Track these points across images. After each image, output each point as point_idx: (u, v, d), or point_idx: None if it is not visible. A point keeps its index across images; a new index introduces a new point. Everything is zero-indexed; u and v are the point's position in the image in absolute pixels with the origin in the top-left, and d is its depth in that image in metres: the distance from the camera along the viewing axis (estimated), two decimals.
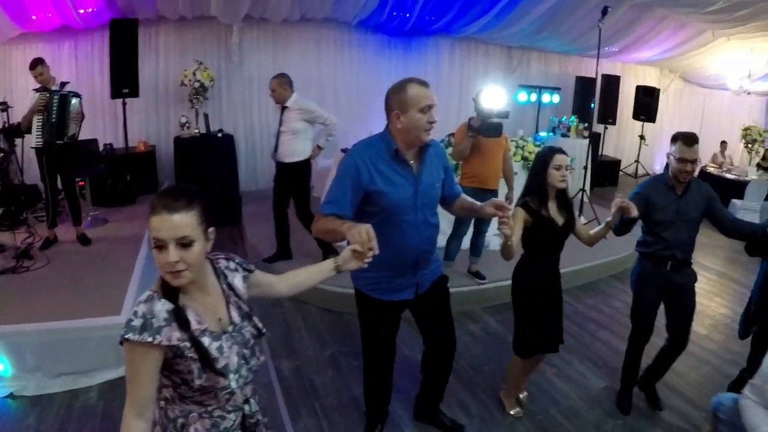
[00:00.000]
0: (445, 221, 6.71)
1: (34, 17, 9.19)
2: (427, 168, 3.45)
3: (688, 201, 4.39)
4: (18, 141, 8.12)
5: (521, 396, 4.93)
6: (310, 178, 7.20)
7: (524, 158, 8.47)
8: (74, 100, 7.11)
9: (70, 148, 7.23)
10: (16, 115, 7.93)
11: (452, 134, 7.69)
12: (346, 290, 5.92)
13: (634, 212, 3.90)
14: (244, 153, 10.80)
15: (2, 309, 5.44)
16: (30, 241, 7.35)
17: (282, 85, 6.74)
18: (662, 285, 4.50)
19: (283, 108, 6.82)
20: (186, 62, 9.97)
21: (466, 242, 6.87)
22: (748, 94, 14.55)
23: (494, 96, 6.03)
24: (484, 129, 6.05)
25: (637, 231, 4.60)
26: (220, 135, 9.67)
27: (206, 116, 9.60)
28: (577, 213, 9.39)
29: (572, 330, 6.31)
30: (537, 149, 8.60)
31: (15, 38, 9.68)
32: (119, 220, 8.38)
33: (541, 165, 4.08)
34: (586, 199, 9.69)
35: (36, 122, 6.99)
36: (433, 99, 3.24)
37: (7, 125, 8.26)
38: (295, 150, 6.90)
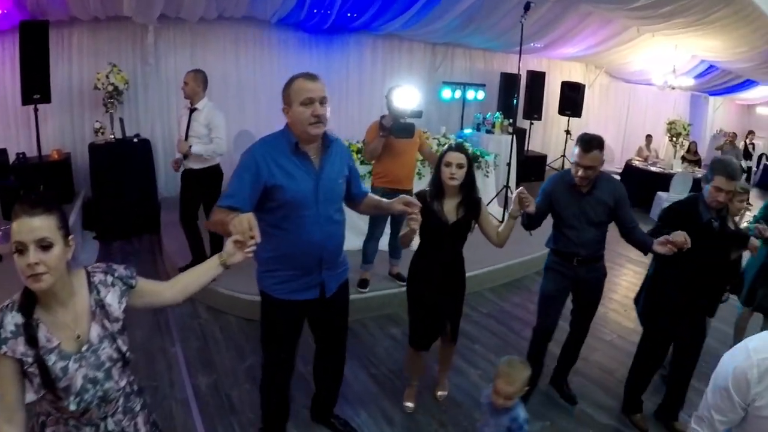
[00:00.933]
0: (363, 223, 6.65)
1: None
2: (330, 163, 3.49)
3: (592, 201, 4.38)
4: None
5: (439, 394, 5.02)
6: (221, 185, 6.95)
7: None
8: None
9: None
10: None
11: None
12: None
13: (531, 207, 3.95)
14: (162, 157, 10.42)
15: None
16: None
17: (197, 81, 6.56)
18: (569, 277, 4.53)
19: (193, 110, 6.59)
20: (100, 65, 9.63)
21: (383, 244, 6.77)
22: (673, 89, 14.88)
23: (407, 95, 5.92)
24: (396, 129, 5.94)
25: None
26: (136, 140, 9.42)
27: (121, 121, 9.32)
28: (502, 209, 9.48)
29: (498, 329, 6.31)
30: None
31: None
32: None
33: (438, 161, 4.25)
34: (510, 195, 9.68)
35: None
36: (317, 92, 3.25)
37: None
38: (203, 157, 6.69)
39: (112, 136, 9.30)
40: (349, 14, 10.71)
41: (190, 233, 7.01)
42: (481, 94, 13.11)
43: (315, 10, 10.30)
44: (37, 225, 2.05)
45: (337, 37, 11.65)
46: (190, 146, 6.56)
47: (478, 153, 9.19)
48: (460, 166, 4.12)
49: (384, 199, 3.81)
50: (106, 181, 9.01)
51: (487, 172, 9.29)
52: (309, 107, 3.22)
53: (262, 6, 9.91)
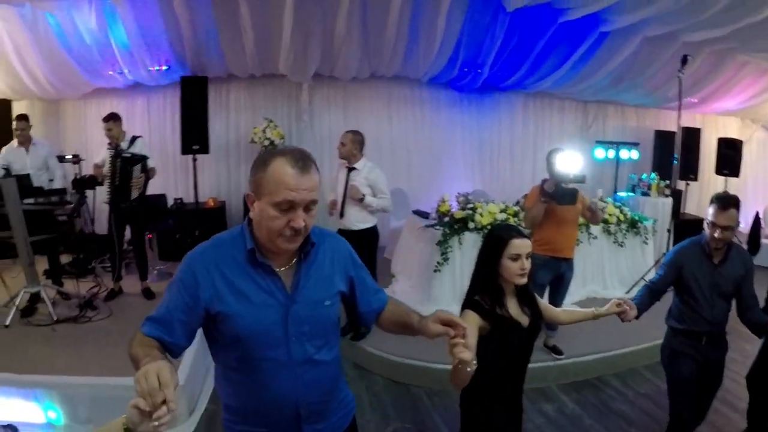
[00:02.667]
0: None
1: (109, 74, 9.43)
2: (312, 277, 2.32)
3: (725, 273, 3.93)
4: (89, 192, 8.23)
5: None
6: (378, 243, 6.80)
7: (605, 221, 8.05)
8: (136, 166, 7.09)
9: (139, 205, 7.29)
10: (89, 168, 8.14)
11: (526, 196, 7.33)
12: (414, 362, 5.68)
13: (632, 314, 3.57)
14: None
15: (60, 358, 5.56)
16: (95, 291, 7.46)
17: (354, 143, 6.39)
18: (697, 360, 4.07)
19: (351, 169, 6.44)
20: (256, 120, 10.00)
21: None
22: None
23: (570, 159, 5.68)
24: (559, 195, 5.65)
25: None
26: None
27: None
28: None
29: (654, 412, 5.81)
30: (617, 211, 8.22)
31: (89, 93, 10.09)
32: None
33: (492, 252, 3.12)
34: None
35: (107, 180, 7.13)
36: (304, 193, 2.09)
37: (78, 177, 8.33)
38: (364, 216, 6.48)
39: None
40: (500, 73, 10.58)
41: None
42: (635, 154, 12.63)
43: (466, 69, 10.26)
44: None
45: (488, 95, 11.52)
46: (364, 194, 6.32)
47: (637, 218, 8.73)
48: (529, 256, 3.08)
49: (415, 315, 2.43)
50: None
51: (646, 239, 8.79)
52: (286, 215, 2.10)
53: (414, 65, 9.96)
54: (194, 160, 9.50)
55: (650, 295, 4.02)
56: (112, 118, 7.27)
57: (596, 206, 6.27)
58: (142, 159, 7.21)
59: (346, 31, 8.65)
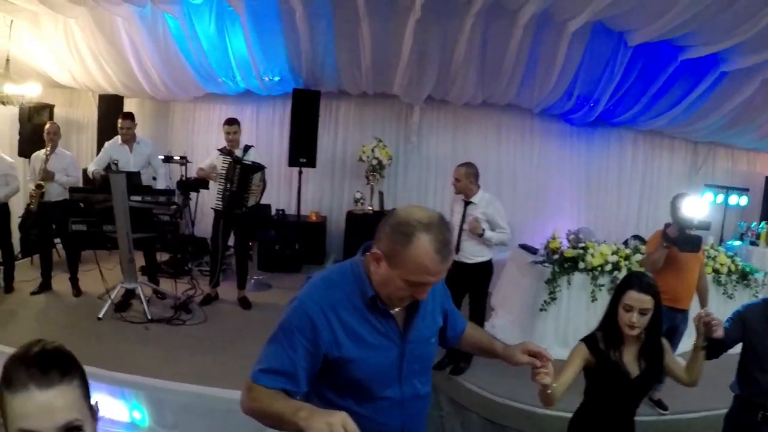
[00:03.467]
0: (576, 325, 6.09)
1: (220, 80, 9.55)
2: (420, 317, 2.26)
3: None
4: (193, 194, 8.44)
5: None
6: (491, 277, 6.49)
7: (715, 271, 7.65)
8: (257, 174, 7.13)
9: (250, 213, 7.31)
10: (194, 170, 8.15)
11: (637, 236, 7.06)
12: (516, 404, 5.50)
13: (719, 332, 3.02)
14: None
15: (150, 358, 5.68)
16: (191, 294, 7.54)
17: (469, 177, 6.12)
18: None
19: (468, 203, 6.19)
20: (364, 138, 9.97)
21: None
22: None
23: (695, 204, 5.46)
24: (682, 241, 5.38)
25: None
26: None
27: (381, 194, 9.44)
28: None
29: None
30: (729, 261, 7.89)
31: (200, 97, 10.25)
32: (282, 287, 8.32)
33: (615, 295, 3.16)
34: None
35: (218, 185, 7.17)
36: (437, 278, 1.99)
37: (184, 179, 8.39)
38: (480, 250, 6.18)
39: (370, 208, 9.42)
40: (614, 108, 10.28)
41: None
42: (744, 200, 12.14)
43: (580, 103, 10.01)
44: (57, 404, 1.39)
45: (599, 130, 11.17)
46: (483, 229, 6.03)
47: (748, 269, 8.35)
48: (643, 312, 2.99)
49: (498, 342, 2.59)
50: (355, 250, 8.93)
51: (757, 292, 8.39)
52: (413, 288, 2.00)
53: (528, 95, 9.73)
54: (300, 173, 9.50)
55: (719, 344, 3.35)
56: (237, 122, 7.36)
57: (706, 282, 6.07)
58: (262, 168, 7.24)
59: (464, 56, 8.51)
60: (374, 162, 9.41)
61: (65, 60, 9.83)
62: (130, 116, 7.72)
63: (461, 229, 6.16)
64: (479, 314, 6.29)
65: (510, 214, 9.91)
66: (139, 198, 6.93)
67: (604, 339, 3.13)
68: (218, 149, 7.40)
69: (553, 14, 7.85)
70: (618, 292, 3.13)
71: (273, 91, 9.90)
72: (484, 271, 6.29)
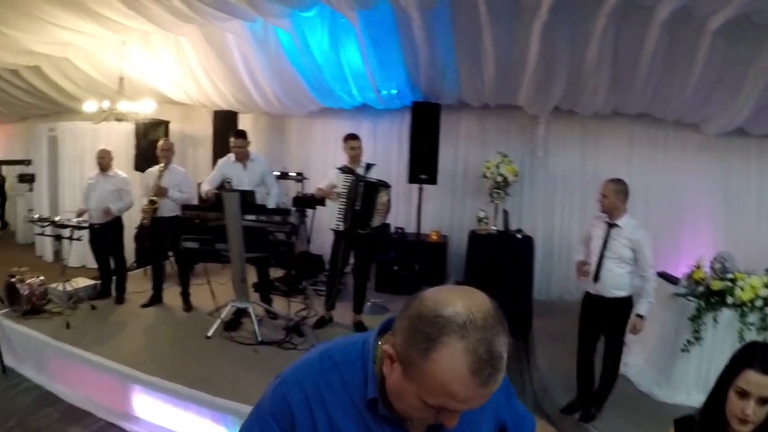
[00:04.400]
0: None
1: (337, 94, 9.25)
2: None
3: None
4: (309, 211, 8.31)
5: None
6: (630, 314, 5.52)
7: None
8: (382, 193, 6.78)
9: (374, 233, 6.95)
10: (311, 186, 8.15)
11: None
12: None
13: None
14: (540, 258, 9.49)
15: (257, 384, 5.20)
16: (304, 315, 7.28)
17: (617, 195, 5.31)
18: None
19: (612, 225, 5.38)
20: (486, 152, 9.37)
21: None
22: None
23: None
24: None
25: None
26: (519, 236, 8.73)
27: (506, 213, 8.80)
28: None
29: None
30: None
31: (316, 112, 10.12)
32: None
33: (725, 372, 2.29)
34: None
35: (338, 205, 6.82)
36: (474, 403, 1.32)
37: (300, 195, 8.11)
38: (622, 282, 5.33)
39: (494, 228, 8.81)
40: (756, 116, 9.31)
41: (582, 370, 5.69)
42: None
43: (719, 110, 9.04)
44: None
45: (739, 141, 10.07)
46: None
47: None
48: (763, 401, 2.12)
49: None
50: (481, 271, 8.45)
51: None
52: (435, 412, 1.35)
53: (663, 102, 8.84)
54: (420, 189, 9.08)
55: None
56: (358, 137, 7.15)
57: None
58: (388, 186, 6.90)
59: (596, 62, 7.83)
60: (499, 179, 8.80)
61: (178, 77, 9.88)
62: (242, 134, 7.58)
63: (602, 256, 5.38)
64: (615, 361, 5.52)
65: None
66: (253, 217, 6.74)
67: (700, 427, 2.32)
68: (338, 168, 7.09)
69: (693, 10, 7.07)
70: (731, 367, 2.25)
71: (391, 104, 9.52)
72: (625, 308, 5.42)
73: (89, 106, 10.27)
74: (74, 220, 7.64)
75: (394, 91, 9.12)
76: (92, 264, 9.72)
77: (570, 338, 5.90)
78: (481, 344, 1.25)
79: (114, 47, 9.69)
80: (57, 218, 7.87)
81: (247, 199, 6.71)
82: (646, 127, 9.67)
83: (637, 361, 6.64)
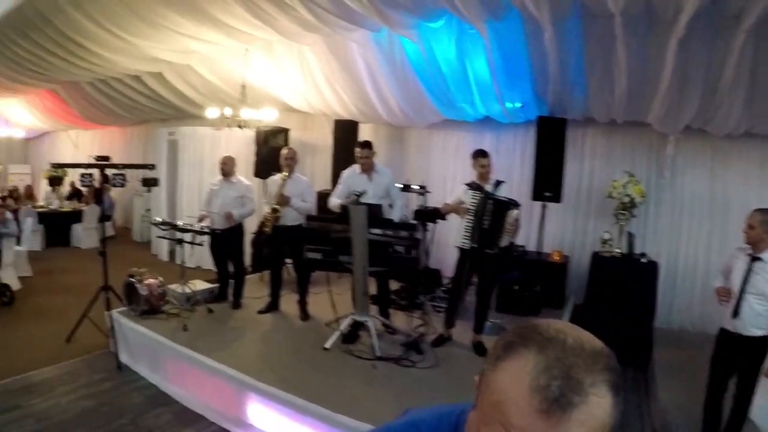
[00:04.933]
0: None
1: (460, 106, 9.11)
2: None
3: None
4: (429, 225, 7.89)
5: None
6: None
7: None
8: (512, 211, 6.50)
9: (501, 253, 6.70)
10: (432, 200, 8.05)
11: None
12: None
13: None
14: (664, 285, 8.94)
15: (378, 404, 5.25)
16: (423, 332, 7.06)
17: (763, 225, 4.90)
18: None
19: (755, 258, 4.96)
20: (611, 170, 9.08)
21: None
22: None
23: None
24: None
25: None
26: (644, 260, 8.37)
27: (631, 236, 8.47)
28: None
29: None
30: None
31: (437, 123, 10.04)
32: None
33: None
34: None
35: (465, 222, 6.61)
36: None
37: (423, 208, 8.06)
38: (763, 321, 4.91)
39: (618, 251, 8.48)
40: None
41: (710, 408, 5.39)
42: None
43: None
44: None
45: None
46: None
47: None
48: None
49: None
50: (602, 295, 8.20)
51: None
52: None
53: None
54: (543, 207, 8.84)
55: None
56: (488, 155, 6.91)
57: None
58: (518, 205, 6.64)
59: (732, 79, 7.41)
60: (625, 199, 8.44)
61: (300, 86, 9.97)
62: (368, 145, 7.42)
63: (743, 291, 4.98)
64: (745, 402, 5.14)
65: None
66: (379, 231, 6.59)
67: None
68: (466, 183, 6.89)
69: None
70: None
71: (515, 118, 9.27)
72: (763, 348, 4.98)
73: (211, 112, 10.48)
74: (196, 225, 7.86)
75: (518, 105, 8.90)
76: (207, 265, 9.92)
77: (693, 372, 5.82)
78: (557, 363, 1.01)
79: (236, 55, 9.86)
80: (180, 222, 8.08)
81: (373, 213, 6.59)
82: None
83: (765, 404, 6.20)
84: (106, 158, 6.92)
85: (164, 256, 12.50)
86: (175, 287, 7.96)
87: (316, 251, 6.82)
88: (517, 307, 8.19)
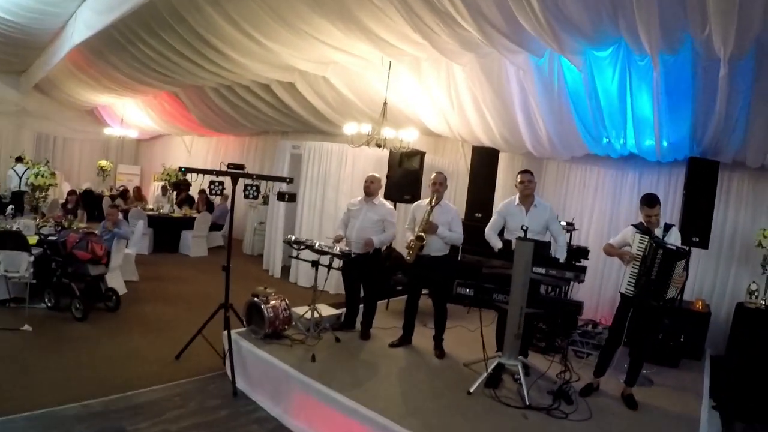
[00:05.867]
0: None
1: (607, 140, 8.86)
2: None
3: None
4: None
5: None
6: None
7: None
8: (681, 262, 6.09)
9: (666, 308, 6.33)
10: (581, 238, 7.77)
11: None
12: None
13: None
14: None
15: None
16: (568, 379, 6.51)
17: None
18: None
19: None
20: (757, 218, 8.75)
21: None
22: None
23: None
24: None
25: None
26: None
27: None
28: None
29: None
30: None
31: (578, 158, 9.76)
32: (665, 385, 7.06)
33: None
34: None
35: (631, 268, 6.25)
36: None
37: (573, 246, 7.86)
38: None
39: (763, 302, 8.07)
40: None
41: None
42: None
43: None
44: None
45: None
46: None
47: None
48: None
49: None
50: (743, 349, 7.79)
51: None
52: None
53: None
54: (689, 252, 8.37)
55: None
56: (659, 202, 6.41)
57: None
58: (687, 254, 6.28)
59: None
60: None
61: (443, 108, 9.69)
62: (530, 172, 7.16)
63: None
64: None
65: None
66: (542, 270, 6.25)
67: None
68: (634, 225, 6.51)
69: None
70: None
71: (663, 156, 8.91)
72: None
73: (350, 128, 10.17)
74: (334, 247, 7.42)
75: (664, 143, 8.55)
76: (327, 286, 9.52)
77: None
78: None
79: (377, 70, 9.69)
80: (317, 243, 7.57)
81: (539, 250, 6.23)
82: None
83: None
84: (240, 167, 6.61)
85: (277, 272, 12.28)
86: (300, 311, 7.68)
87: (468, 286, 6.46)
88: (658, 356, 7.75)
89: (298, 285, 10.88)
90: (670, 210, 9.10)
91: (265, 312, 6.96)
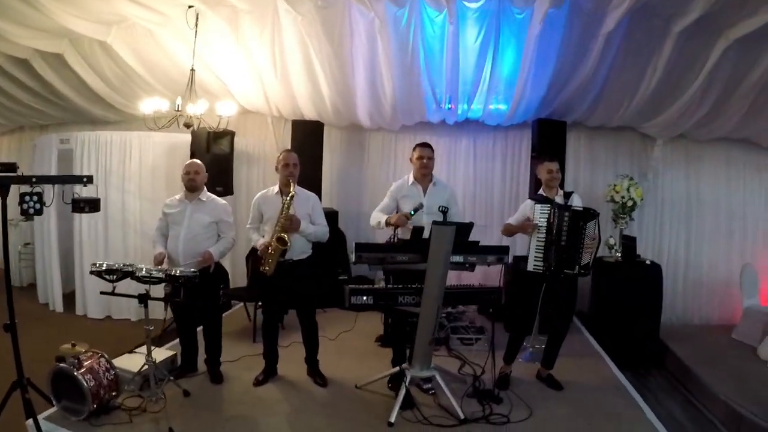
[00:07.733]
0: None
1: (452, 106, 8.63)
2: None
3: None
4: None
5: None
6: None
7: None
8: (590, 223, 5.65)
9: (578, 276, 5.85)
10: None
11: None
12: None
13: None
14: (670, 284, 9.16)
15: None
16: (477, 374, 6.09)
17: None
18: None
19: None
20: (595, 174, 9.30)
21: None
22: None
23: None
24: None
25: None
26: (648, 263, 8.27)
27: (630, 239, 8.37)
28: None
29: None
30: None
31: (407, 127, 9.54)
32: (563, 355, 6.42)
33: None
34: None
35: (536, 242, 5.79)
36: None
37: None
38: None
39: (619, 254, 8.26)
40: None
41: None
42: None
43: None
44: None
45: None
46: None
47: None
48: None
49: None
50: (609, 300, 7.98)
51: None
52: None
53: (760, 125, 8.48)
54: None
55: None
56: (556, 161, 6.12)
57: None
58: (597, 215, 5.74)
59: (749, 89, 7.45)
60: (630, 203, 8.36)
61: (264, 76, 8.46)
62: (430, 147, 6.15)
63: None
64: None
65: (738, 256, 9.27)
66: (460, 258, 5.39)
67: None
68: (531, 198, 6.14)
69: None
70: None
71: (513, 120, 8.87)
72: None
73: (147, 105, 7.66)
74: (153, 271, 5.17)
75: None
76: (120, 314, 8.33)
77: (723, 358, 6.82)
78: None
79: (177, 29, 7.69)
80: (128, 266, 5.15)
81: (462, 235, 5.33)
82: (742, 150, 9.52)
83: None
84: (11, 165, 4.06)
85: (58, 305, 9.25)
86: (121, 362, 5.68)
87: (363, 293, 5.21)
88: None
89: (89, 317, 8.73)
90: (510, 172, 9.31)
91: (83, 382, 4.79)
